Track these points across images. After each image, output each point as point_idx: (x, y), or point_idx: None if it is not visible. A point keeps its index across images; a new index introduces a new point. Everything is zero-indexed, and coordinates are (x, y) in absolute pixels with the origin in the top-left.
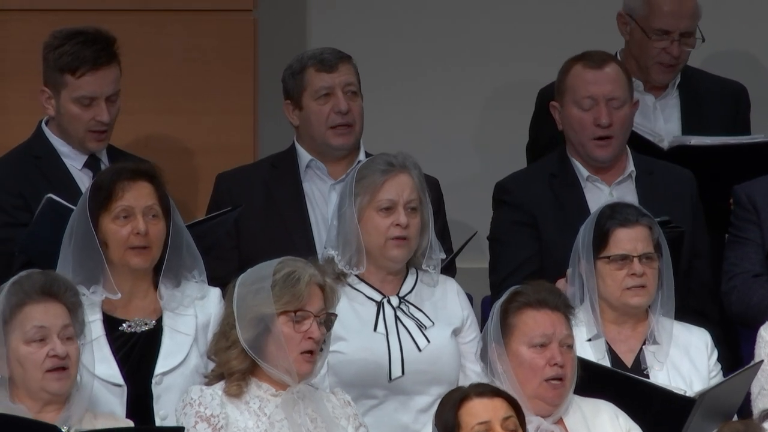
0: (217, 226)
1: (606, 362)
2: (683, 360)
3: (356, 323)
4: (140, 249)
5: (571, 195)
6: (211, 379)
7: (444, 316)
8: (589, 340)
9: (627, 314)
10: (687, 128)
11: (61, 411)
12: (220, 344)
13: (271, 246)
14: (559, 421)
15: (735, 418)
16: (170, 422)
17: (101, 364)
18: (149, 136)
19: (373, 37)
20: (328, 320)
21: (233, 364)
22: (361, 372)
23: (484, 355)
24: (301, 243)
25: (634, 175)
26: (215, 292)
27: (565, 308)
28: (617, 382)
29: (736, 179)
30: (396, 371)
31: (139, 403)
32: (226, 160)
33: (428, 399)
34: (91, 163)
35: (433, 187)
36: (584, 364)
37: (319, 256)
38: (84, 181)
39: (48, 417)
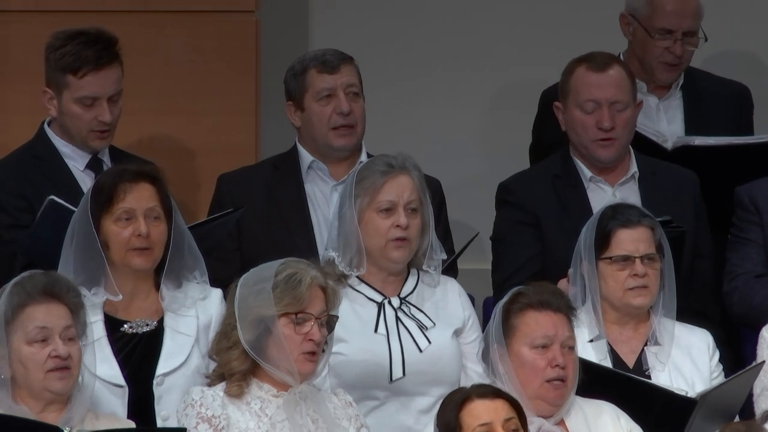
0: (219, 227)
1: (607, 363)
2: (685, 361)
3: (357, 324)
4: (142, 250)
5: (574, 196)
6: (212, 380)
7: (445, 317)
8: (591, 340)
9: (629, 315)
10: (690, 129)
11: (63, 412)
12: (222, 344)
13: (272, 247)
14: (561, 422)
15: (737, 419)
16: (171, 423)
17: (102, 365)
18: (151, 137)
19: (375, 38)
20: (329, 322)
21: (234, 364)
22: (362, 373)
23: (485, 356)
24: (303, 244)
25: (637, 176)
26: (217, 293)
27: (567, 310)
28: (619, 383)
29: (741, 180)
30: (397, 372)
31: (141, 404)
32: (227, 161)
33: (430, 400)
34: (94, 164)
35: (435, 189)
36: (586, 365)
37: (321, 258)
38: (86, 182)
39: (49, 418)
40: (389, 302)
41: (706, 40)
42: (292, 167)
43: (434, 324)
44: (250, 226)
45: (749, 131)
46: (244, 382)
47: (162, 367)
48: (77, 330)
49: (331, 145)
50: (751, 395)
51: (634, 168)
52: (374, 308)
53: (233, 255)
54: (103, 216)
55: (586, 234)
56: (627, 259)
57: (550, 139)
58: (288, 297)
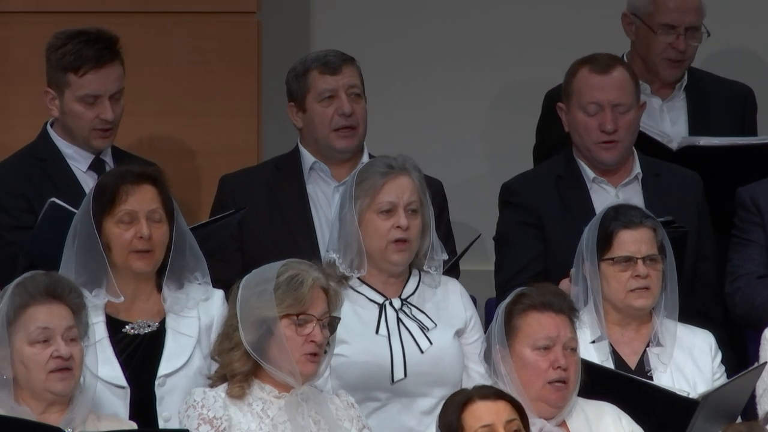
0: (221, 228)
1: (609, 364)
2: (687, 362)
3: (358, 326)
4: (143, 253)
5: (577, 197)
6: (214, 381)
7: (446, 318)
8: (593, 341)
9: (631, 316)
10: (694, 131)
11: (65, 413)
12: (224, 345)
13: (274, 248)
14: (562, 424)
15: (739, 420)
16: (173, 424)
17: (104, 366)
18: (152, 138)
19: (377, 39)
20: (331, 323)
21: (236, 365)
22: (364, 375)
23: (487, 357)
24: (305, 245)
25: (640, 177)
26: (218, 294)
27: (569, 311)
28: (620, 384)
29: (745, 181)
30: (398, 374)
31: (142, 405)
32: (229, 162)
33: (431, 401)
34: (96, 165)
35: (437, 190)
36: (588, 366)
37: (322, 259)
38: (89, 183)
39: (51, 419)
40: (390, 303)
41: (708, 35)
42: (294, 168)
43: (435, 325)
44: (251, 227)
45: (753, 132)
46: (246, 384)
47: (164, 368)
48: (79, 331)
49: (332, 147)
50: (753, 396)
51: (637, 169)
52: (375, 309)
53: (235, 256)
54: (105, 217)
55: (588, 235)
56: (629, 260)
57: (554, 140)
58: (290, 298)
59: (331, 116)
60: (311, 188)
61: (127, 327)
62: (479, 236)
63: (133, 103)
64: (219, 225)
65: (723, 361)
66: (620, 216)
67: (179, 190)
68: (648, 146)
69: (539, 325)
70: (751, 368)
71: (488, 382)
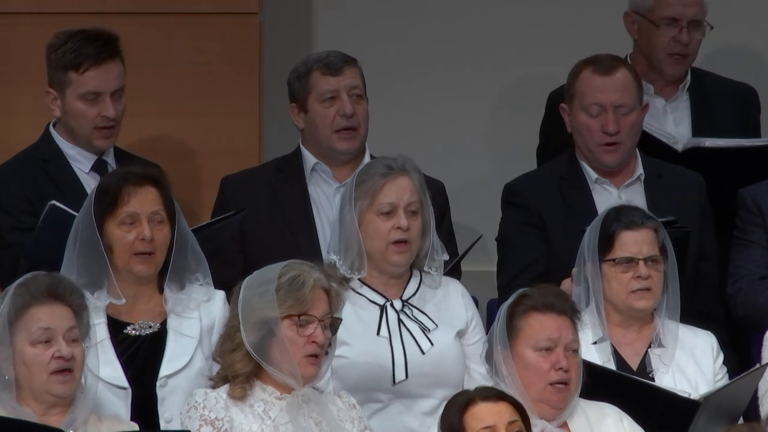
0: (222, 229)
1: (611, 365)
2: (689, 363)
3: (359, 327)
4: (145, 255)
5: (579, 197)
6: (216, 382)
7: (447, 318)
8: (595, 343)
9: (632, 317)
10: (697, 131)
11: (66, 414)
12: (225, 346)
13: (276, 249)
14: (564, 425)
15: (741, 420)
16: (175, 425)
17: (106, 367)
18: (154, 138)
19: (379, 40)
20: (332, 324)
21: (238, 366)
22: (365, 376)
23: (489, 357)
24: (307, 246)
25: (642, 178)
26: (220, 295)
27: (571, 312)
28: (622, 385)
29: (749, 182)
30: (400, 375)
31: (144, 406)
32: (231, 163)
33: (433, 402)
34: (99, 167)
35: (438, 191)
36: (589, 367)
37: (323, 260)
38: (91, 184)
39: (53, 420)
40: (391, 305)
41: (711, 28)
42: (296, 169)
43: (436, 326)
44: (253, 228)
45: (756, 133)
46: (248, 385)
47: (165, 369)
48: (81, 331)
49: (334, 148)
50: (755, 397)
51: (639, 170)
52: (376, 311)
53: (236, 257)
54: (106, 219)
55: (590, 236)
56: (630, 261)
57: (557, 141)
58: (291, 299)
59: (332, 117)
60: (313, 189)
61: (128, 328)
62: (480, 237)
63: (135, 104)
64: (220, 226)
65: (725, 362)
66: (621, 217)
67: (180, 191)
68: (653, 147)
69: (541, 326)
70: (753, 369)
71: (489, 383)
